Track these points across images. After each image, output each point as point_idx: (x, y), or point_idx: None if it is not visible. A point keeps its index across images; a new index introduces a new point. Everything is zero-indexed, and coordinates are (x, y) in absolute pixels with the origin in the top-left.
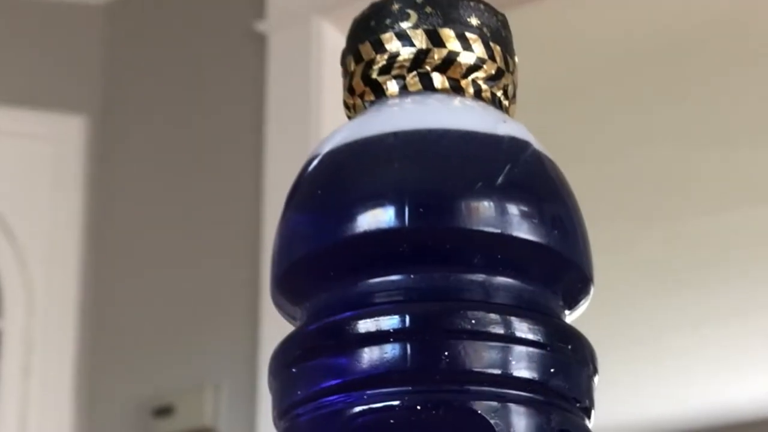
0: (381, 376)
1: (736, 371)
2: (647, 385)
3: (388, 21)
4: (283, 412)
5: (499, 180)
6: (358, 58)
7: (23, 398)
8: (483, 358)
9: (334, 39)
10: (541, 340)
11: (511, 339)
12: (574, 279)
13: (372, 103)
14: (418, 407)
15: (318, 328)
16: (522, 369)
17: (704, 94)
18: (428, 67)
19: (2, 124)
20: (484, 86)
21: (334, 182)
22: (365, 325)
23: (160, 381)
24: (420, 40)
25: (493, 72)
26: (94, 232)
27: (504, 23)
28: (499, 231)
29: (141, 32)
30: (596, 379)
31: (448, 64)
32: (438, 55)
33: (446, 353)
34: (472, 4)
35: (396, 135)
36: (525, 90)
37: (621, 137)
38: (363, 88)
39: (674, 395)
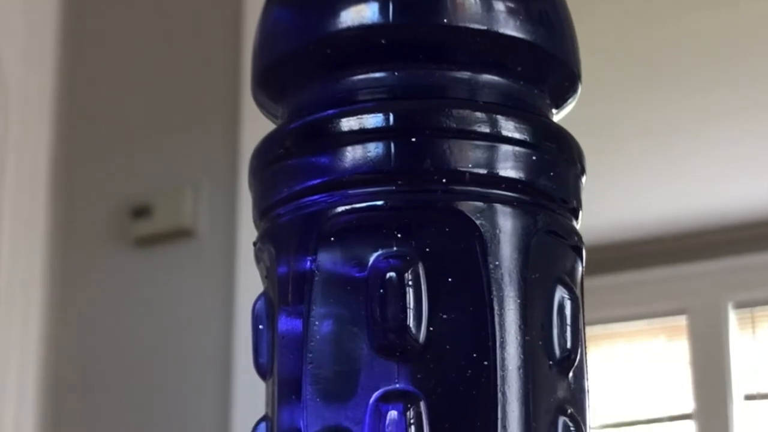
0: (364, 175)
1: (733, 171)
2: (639, 186)
3: None
4: (263, 212)
5: None
6: None
7: None
8: (468, 157)
9: None
10: (528, 139)
11: (497, 138)
12: (561, 77)
13: None
14: (402, 207)
15: (300, 126)
16: (508, 168)
17: None
18: None
19: None
20: None
21: None
22: (348, 123)
23: (138, 181)
24: None
25: None
26: (70, 31)
27: None
28: (485, 27)
29: None
30: (584, 179)
31: None
32: None
33: (430, 152)
34: None
35: None
36: None
37: None
38: None
39: (667, 195)
